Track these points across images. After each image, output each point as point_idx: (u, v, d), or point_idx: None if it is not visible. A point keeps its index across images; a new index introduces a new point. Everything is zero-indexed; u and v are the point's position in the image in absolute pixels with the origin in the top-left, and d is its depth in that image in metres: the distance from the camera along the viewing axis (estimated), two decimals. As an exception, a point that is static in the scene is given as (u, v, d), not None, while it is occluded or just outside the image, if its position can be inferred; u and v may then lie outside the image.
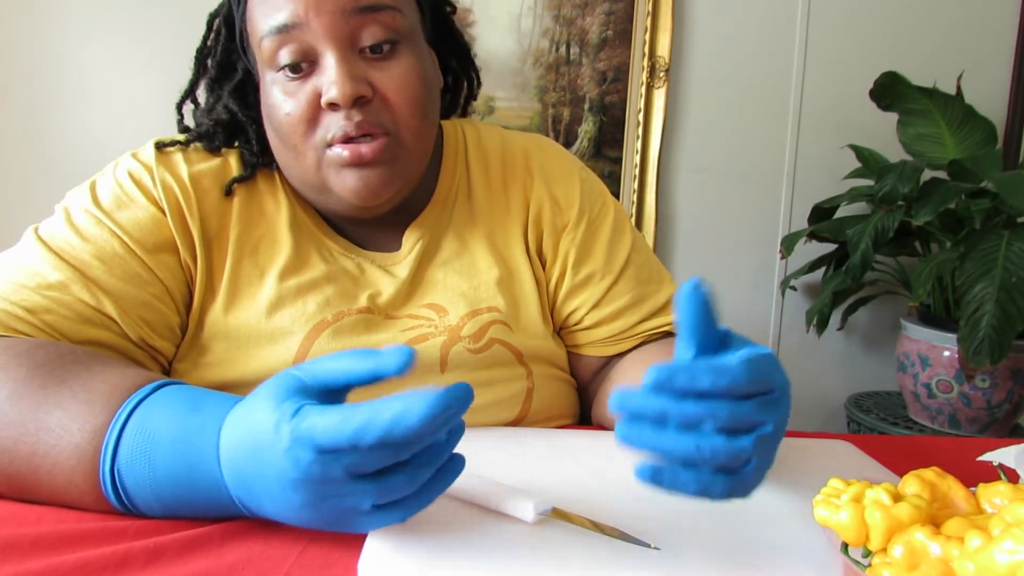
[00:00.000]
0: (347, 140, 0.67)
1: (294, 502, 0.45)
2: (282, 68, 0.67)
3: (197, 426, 0.49)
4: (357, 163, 0.67)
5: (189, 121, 0.79)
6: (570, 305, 0.82)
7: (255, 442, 0.45)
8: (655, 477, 0.46)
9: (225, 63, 0.76)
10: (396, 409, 0.42)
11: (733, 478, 0.47)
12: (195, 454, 0.48)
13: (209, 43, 0.76)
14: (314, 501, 0.45)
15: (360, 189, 0.68)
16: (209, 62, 0.76)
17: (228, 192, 0.73)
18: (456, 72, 0.85)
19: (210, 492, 0.48)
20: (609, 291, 0.81)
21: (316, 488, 0.44)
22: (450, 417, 0.43)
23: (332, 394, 0.47)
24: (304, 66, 0.67)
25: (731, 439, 0.46)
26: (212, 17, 0.77)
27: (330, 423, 0.43)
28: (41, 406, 0.52)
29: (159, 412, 0.50)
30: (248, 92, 0.75)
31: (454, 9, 0.83)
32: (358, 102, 0.66)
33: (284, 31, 0.66)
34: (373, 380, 0.46)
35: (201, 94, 0.79)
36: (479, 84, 0.87)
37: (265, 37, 0.67)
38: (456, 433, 0.48)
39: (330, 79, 0.65)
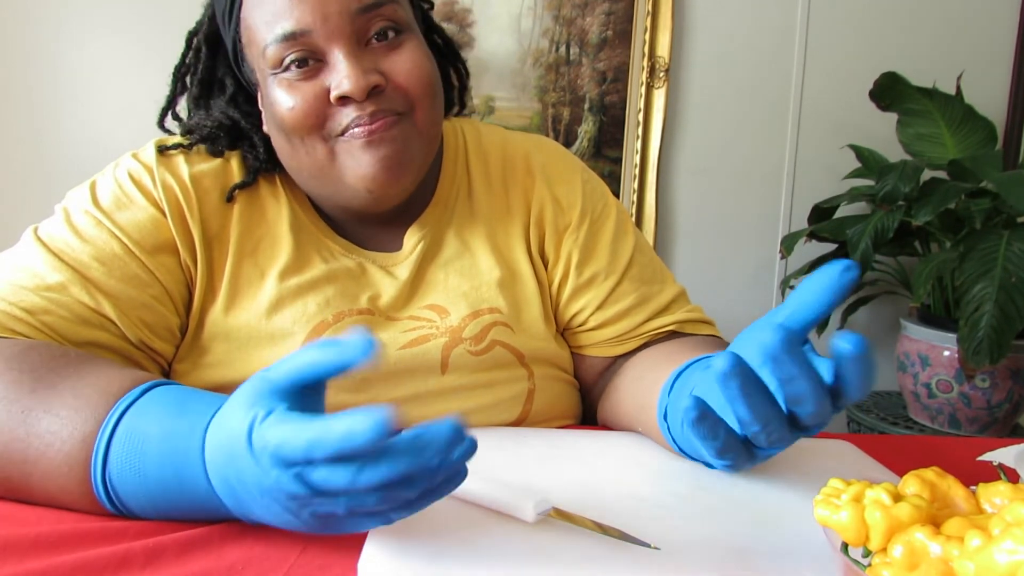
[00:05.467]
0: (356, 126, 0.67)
1: (275, 509, 0.44)
2: (287, 67, 0.67)
3: (183, 431, 0.48)
4: (373, 140, 0.67)
5: (175, 135, 0.78)
6: (574, 306, 0.81)
7: (232, 450, 0.44)
8: (700, 418, 0.49)
9: (207, 80, 0.76)
10: (348, 424, 0.39)
11: (751, 455, 0.52)
12: (182, 460, 0.47)
13: (188, 60, 0.77)
14: (293, 509, 0.43)
15: (378, 172, 0.68)
16: (188, 79, 0.76)
17: (229, 199, 0.73)
18: (443, 66, 0.84)
19: (200, 497, 0.48)
20: (613, 291, 0.81)
21: (290, 498, 0.43)
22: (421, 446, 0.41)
23: (307, 391, 0.45)
24: (311, 62, 0.67)
25: (795, 432, 0.50)
26: (191, 35, 0.77)
27: (285, 434, 0.41)
28: (31, 411, 0.52)
29: (145, 418, 0.50)
30: (241, 103, 0.75)
31: (431, 5, 0.83)
32: (372, 92, 0.66)
33: (292, 38, 0.66)
34: (341, 371, 0.43)
35: (182, 110, 0.79)
36: (468, 74, 0.86)
37: (270, 45, 0.67)
38: (453, 462, 0.43)
39: (342, 74, 0.65)
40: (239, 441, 0.43)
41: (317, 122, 0.67)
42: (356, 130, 0.67)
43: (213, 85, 0.76)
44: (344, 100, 0.66)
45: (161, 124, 0.79)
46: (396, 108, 0.68)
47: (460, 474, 0.45)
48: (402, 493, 0.42)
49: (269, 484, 0.42)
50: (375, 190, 0.69)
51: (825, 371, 0.48)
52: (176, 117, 0.79)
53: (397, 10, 0.69)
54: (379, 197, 0.71)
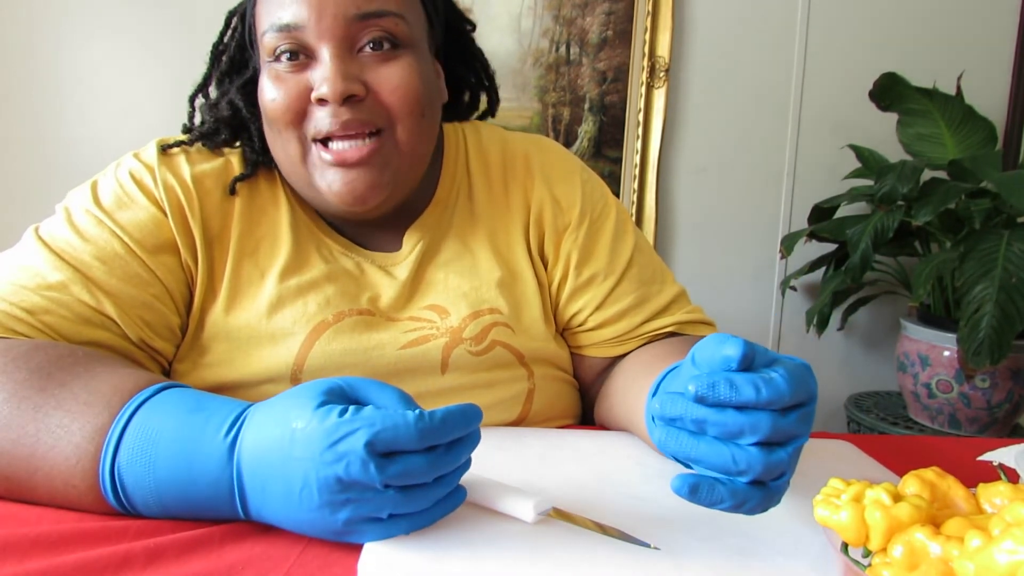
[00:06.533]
0: (329, 141, 0.68)
1: (312, 503, 0.45)
2: (279, 57, 0.68)
3: (200, 424, 0.49)
4: (341, 165, 0.68)
5: (198, 116, 0.79)
6: (573, 307, 0.81)
7: (286, 435, 0.46)
8: (692, 491, 0.46)
9: (237, 59, 0.76)
10: (448, 410, 0.47)
11: (765, 491, 0.47)
12: (196, 451, 0.48)
13: (226, 39, 0.77)
14: (336, 503, 0.45)
15: (345, 193, 0.69)
16: (224, 58, 0.77)
17: (232, 191, 0.73)
18: (474, 89, 0.85)
19: (208, 488, 0.48)
20: (612, 292, 0.81)
21: (346, 490, 0.45)
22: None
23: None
24: (302, 57, 0.68)
25: (768, 452, 0.46)
26: (231, 15, 0.77)
27: (377, 423, 0.45)
28: (41, 408, 0.52)
29: (161, 412, 0.51)
30: (255, 91, 0.76)
31: (473, 27, 0.83)
32: (349, 100, 0.67)
33: (286, 30, 0.67)
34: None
35: (213, 91, 0.79)
36: (498, 102, 0.88)
37: (267, 32, 0.68)
38: (466, 465, 0.50)
39: (323, 75, 0.66)
40: (305, 427, 0.45)
41: (296, 118, 0.68)
42: (322, 151, 0.68)
43: (242, 64, 0.77)
44: (322, 102, 0.67)
45: (192, 100, 0.79)
46: (375, 121, 0.68)
47: (467, 462, 0.50)
48: (440, 488, 0.48)
49: (334, 473, 0.44)
50: (345, 207, 0.70)
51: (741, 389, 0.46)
52: (207, 96, 0.79)
53: (398, 24, 0.69)
54: (349, 212, 0.72)
